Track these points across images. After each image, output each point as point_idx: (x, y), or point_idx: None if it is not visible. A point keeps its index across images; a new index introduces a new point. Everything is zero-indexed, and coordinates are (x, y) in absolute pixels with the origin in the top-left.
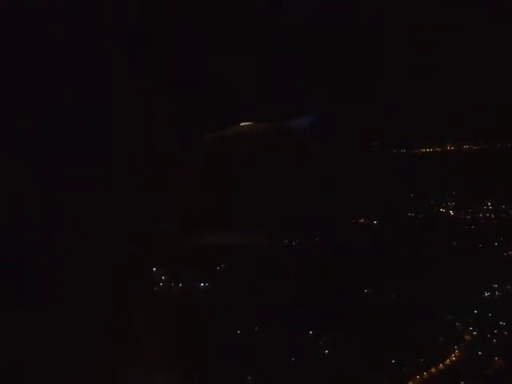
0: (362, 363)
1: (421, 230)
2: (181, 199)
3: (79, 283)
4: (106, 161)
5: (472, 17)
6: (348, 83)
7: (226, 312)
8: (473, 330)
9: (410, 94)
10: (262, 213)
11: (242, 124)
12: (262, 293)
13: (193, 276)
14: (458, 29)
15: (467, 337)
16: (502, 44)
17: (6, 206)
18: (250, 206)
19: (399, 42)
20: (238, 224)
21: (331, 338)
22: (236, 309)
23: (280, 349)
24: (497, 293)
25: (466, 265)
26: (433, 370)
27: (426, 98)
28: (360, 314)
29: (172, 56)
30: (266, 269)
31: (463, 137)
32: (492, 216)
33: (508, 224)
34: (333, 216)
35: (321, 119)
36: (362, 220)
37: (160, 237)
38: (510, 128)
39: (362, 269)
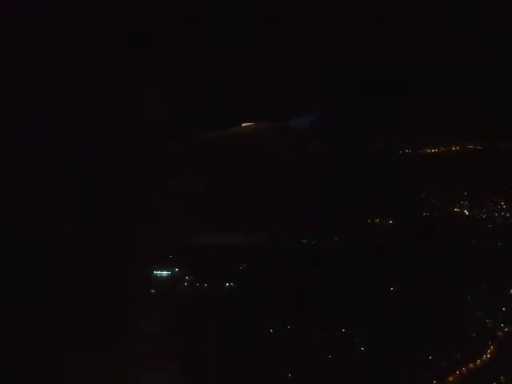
0: (400, 360)
1: (438, 229)
2: (181, 199)
3: (89, 284)
4: (106, 160)
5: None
6: (348, 83)
7: (255, 311)
8: (504, 327)
9: (411, 93)
10: (266, 213)
11: (242, 124)
12: (287, 292)
13: (217, 276)
14: (459, 29)
15: (499, 333)
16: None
17: (6, 206)
18: (252, 206)
19: (400, 42)
20: (242, 224)
21: (365, 336)
22: (264, 308)
23: (318, 346)
24: None
25: (490, 263)
26: (471, 365)
27: (427, 98)
28: (388, 311)
29: (172, 56)
30: (287, 268)
31: (466, 137)
32: (507, 215)
33: None
34: (347, 216)
35: (321, 119)
36: (377, 220)
37: (162, 236)
38: None
39: (385, 267)
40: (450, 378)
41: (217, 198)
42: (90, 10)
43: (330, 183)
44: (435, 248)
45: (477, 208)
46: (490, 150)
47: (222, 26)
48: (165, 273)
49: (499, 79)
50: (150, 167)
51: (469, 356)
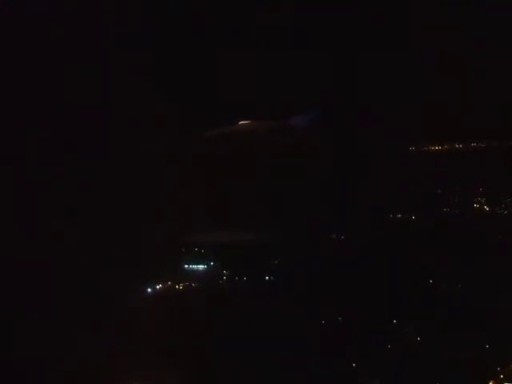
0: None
1: (463, 224)
2: (179, 198)
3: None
4: (105, 160)
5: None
6: (349, 82)
7: (300, 304)
8: None
9: (413, 92)
10: (271, 211)
11: (240, 123)
12: (327, 286)
13: (255, 270)
14: (461, 28)
15: None
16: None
17: (6, 206)
18: (252, 205)
19: (401, 41)
20: (248, 222)
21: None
22: (309, 301)
23: (377, 337)
24: None
25: None
26: None
27: (429, 97)
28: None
29: (171, 55)
30: (319, 264)
31: (470, 136)
32: None
33: None
34: (368, 212)
35: (321, 118)
36: (399, 215)
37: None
38: None
39: (419, 263)
40: None
41: (217, 197)
42: (89, 9)
43: (341, 181)
44: (463, 243)
45: (495, 204)
46: (503, 147)
47: (222, 26)
48: (201, 267)
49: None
50: (149, 167)
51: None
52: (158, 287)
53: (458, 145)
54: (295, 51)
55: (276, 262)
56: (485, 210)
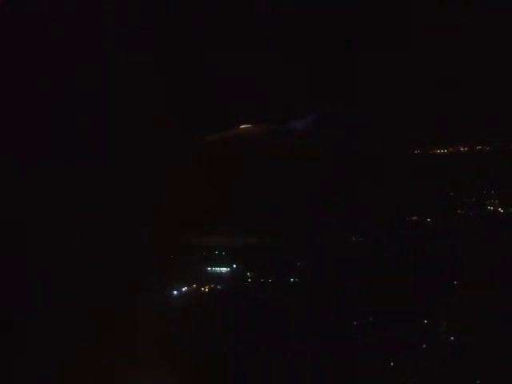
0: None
1: (481, 226)
2: (180, 201)
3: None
4: (105, 160)
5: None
6: (350, 84)
7: (329, 305)
8: None
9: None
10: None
11: (241, 126)
12: (354, 287)
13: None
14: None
15: None
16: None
17: (5, 207)
18: (256, 208)
19: (402, 42)
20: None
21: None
22: (337, 302)
23: (410, 337)
24: None
25: None
26: None
27: (436, 98)
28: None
29: (171, 58)
30: (343, 266)
31: (474, 137)
32: None
33: None
34: (383, 215)
35: (321, 120)
36: (415, 218)
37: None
38: None
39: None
40: None
41: (217, 200)
42: (89, 9)
43: (346, 184)
44: (479, 244)
45: (509, 206)
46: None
47: (222, 26)
48: (224, 269)
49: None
50: (149, 168)
51: None
52: (183, 289)
53: (469, 146)
54: (295, 54)
55: (299, 263)
56: (499, 211)
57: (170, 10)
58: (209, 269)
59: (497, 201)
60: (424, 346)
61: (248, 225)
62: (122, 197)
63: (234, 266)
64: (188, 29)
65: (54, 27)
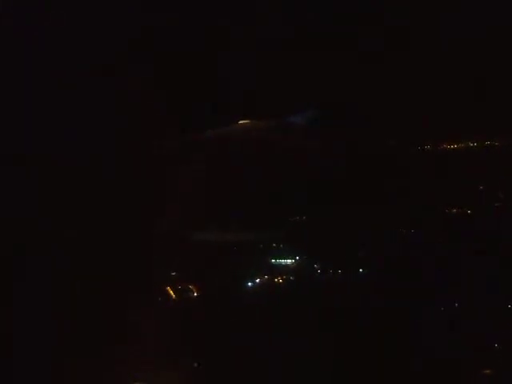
0: None
1: None
2: (180, 198)
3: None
4: (105, 160)
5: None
6: (349, 80)
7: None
8: None
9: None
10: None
11: (240, 122)
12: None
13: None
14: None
15: None
16: None
17: (5, 207)
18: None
19: (403, 40)
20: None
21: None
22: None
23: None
24: None
25: None
26: None
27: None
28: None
29: (171, 55)
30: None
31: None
32: None
33: None
34: (424, 208)
35: (321, 116)
36: (454, 210)
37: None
38: None
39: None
40: None
41: (217, 197)
42: (89, 9)
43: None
44: None
45: None
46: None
47: (222, 25)
48: (289, 261)
49: None
50: (148, 166)
51: None
52: (257, 281)
53: (458, 144)
54: (294, 50)
55: (364, 254)
56: None
57: (170, 9)
58: (273, 261)
59: None
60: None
61: (246, 221)
62: (122, 196)
63: (297, 258)
64: (187, 27)
65: (54, 26)
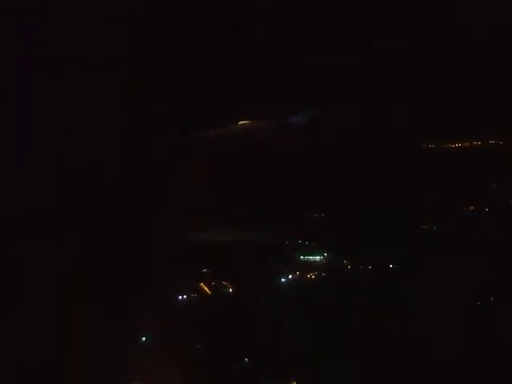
0: None
1: None
2: (179, 199)
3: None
4: (105, 160)
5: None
6: (349, 80)
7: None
8: None
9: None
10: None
11: (240, 122)
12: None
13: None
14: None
15: None
16: None
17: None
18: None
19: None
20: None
21: None
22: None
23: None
24: None
25: None
26: None
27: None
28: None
29: (170, 53)
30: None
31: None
32: None
33: None
34: (441, 205)
35: (320, 116)
36: (471, 207)
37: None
38: None
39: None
40: None
41: (217, 197)
42: (89, 9)
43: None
44: None
45: None
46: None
47: (222, 25)
48: (317, 258)
49: None
50: (146, 167)
51: None
52: (290, 277)
53: (462, 143)
54: (294, 50)
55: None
56: None
57: (170, 8)
58: (301, 257)
59: None
60: None
61: (245, 221)
62: (121, 196)
63: (326, 254)
64: (187, 26)
65: (54, 26)
